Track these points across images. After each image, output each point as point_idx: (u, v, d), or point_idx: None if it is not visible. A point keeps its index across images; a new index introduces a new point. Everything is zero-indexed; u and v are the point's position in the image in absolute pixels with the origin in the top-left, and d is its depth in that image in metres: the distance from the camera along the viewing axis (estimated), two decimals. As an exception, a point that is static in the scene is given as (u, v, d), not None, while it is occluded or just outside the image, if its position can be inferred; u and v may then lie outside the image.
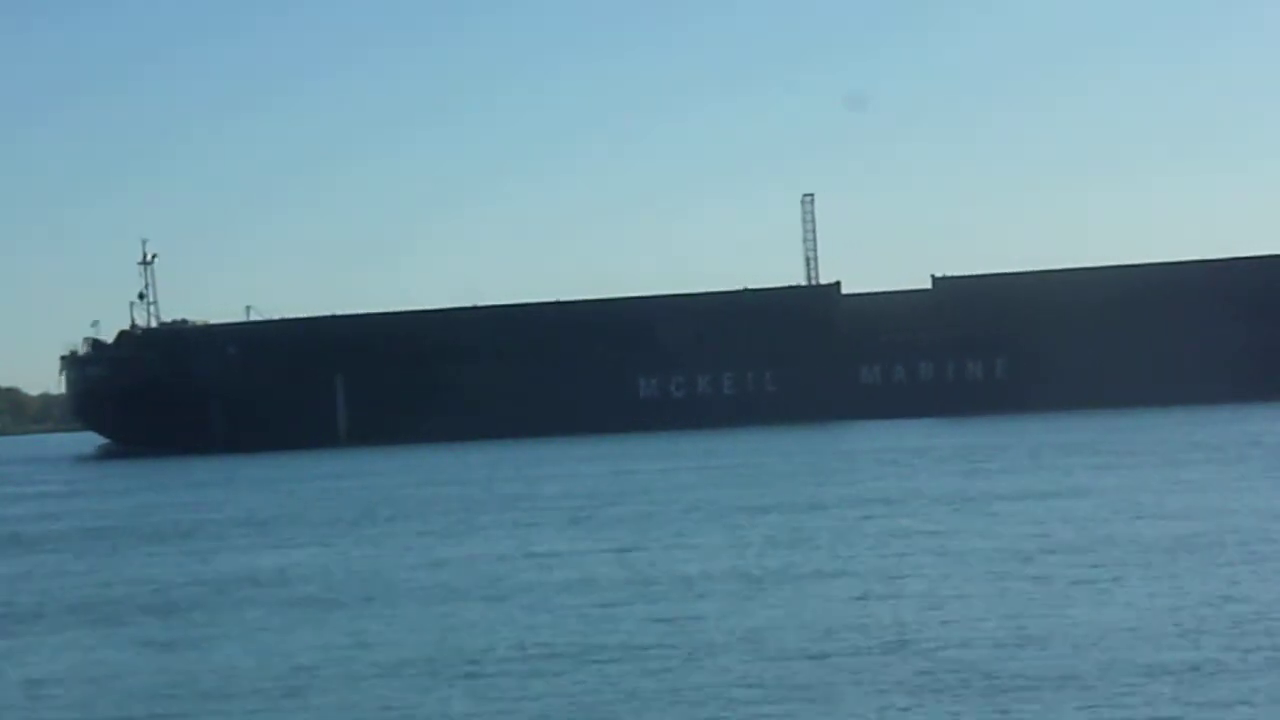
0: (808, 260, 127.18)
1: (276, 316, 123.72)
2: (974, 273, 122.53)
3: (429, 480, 70.37)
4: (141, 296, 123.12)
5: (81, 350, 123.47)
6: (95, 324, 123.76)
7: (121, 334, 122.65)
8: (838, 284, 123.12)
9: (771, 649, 23.69)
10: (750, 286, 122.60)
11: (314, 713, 20.92)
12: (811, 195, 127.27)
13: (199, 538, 46.34)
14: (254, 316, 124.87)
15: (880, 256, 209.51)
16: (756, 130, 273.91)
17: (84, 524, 53.37)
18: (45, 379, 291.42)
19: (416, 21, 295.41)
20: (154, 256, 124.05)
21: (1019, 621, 24.92)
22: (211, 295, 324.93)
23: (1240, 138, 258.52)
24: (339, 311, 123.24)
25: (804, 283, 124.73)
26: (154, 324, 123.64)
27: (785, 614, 26.77)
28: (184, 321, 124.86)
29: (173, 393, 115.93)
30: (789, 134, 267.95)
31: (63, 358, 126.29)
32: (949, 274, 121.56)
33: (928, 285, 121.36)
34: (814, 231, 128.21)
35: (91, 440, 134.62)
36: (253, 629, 27.64)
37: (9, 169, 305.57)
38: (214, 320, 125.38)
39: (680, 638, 24.85)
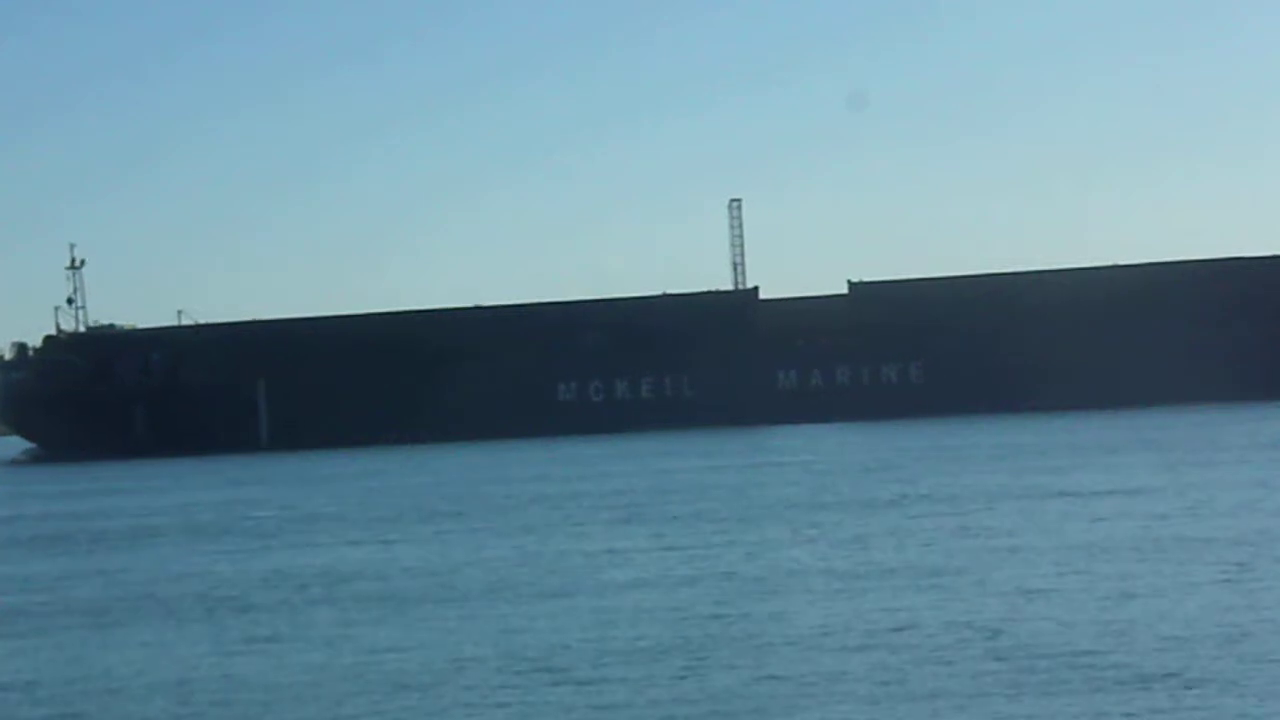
0: (735, 266, 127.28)
1: (204, 321, 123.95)
2: (890, 278, 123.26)
3: (444, 480, 69.53)
4: (70, 301, 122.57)
5: (7, 355, 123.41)
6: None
7: (47, 339, 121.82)
8: (755, 289, 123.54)
9: (861, 644, 23.50)
10: (669, 291, 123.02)
11: (404, 713, 20.67)
12: (739, 200, 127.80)
13: (243, 535, 45.80)
14: (185, 321, 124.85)
15: (799, 262, 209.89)
16: (683, 136, 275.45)
17: (132, 522, 52.62)
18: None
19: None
20: (82, 261, 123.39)
21: (1107, 617, 24.75)
22: (154, 300, 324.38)
23: (1178, 141, 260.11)
24: (274, 315, 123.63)
25: (731, 288, 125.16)
26: (81, 329, 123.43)
27: (873, 608, 26.51)
28: (111, 326, 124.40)
29: (96, 397, 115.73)
30: (715, 140, 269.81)
31: None
32: (866, 279, 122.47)
33: (844, 290, 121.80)
34: (741, 237, 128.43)
35: (17, 445, 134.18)
36: (327, 627, 27.25)
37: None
38: (143, 325, 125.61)
39: (767, 632, 24.56)
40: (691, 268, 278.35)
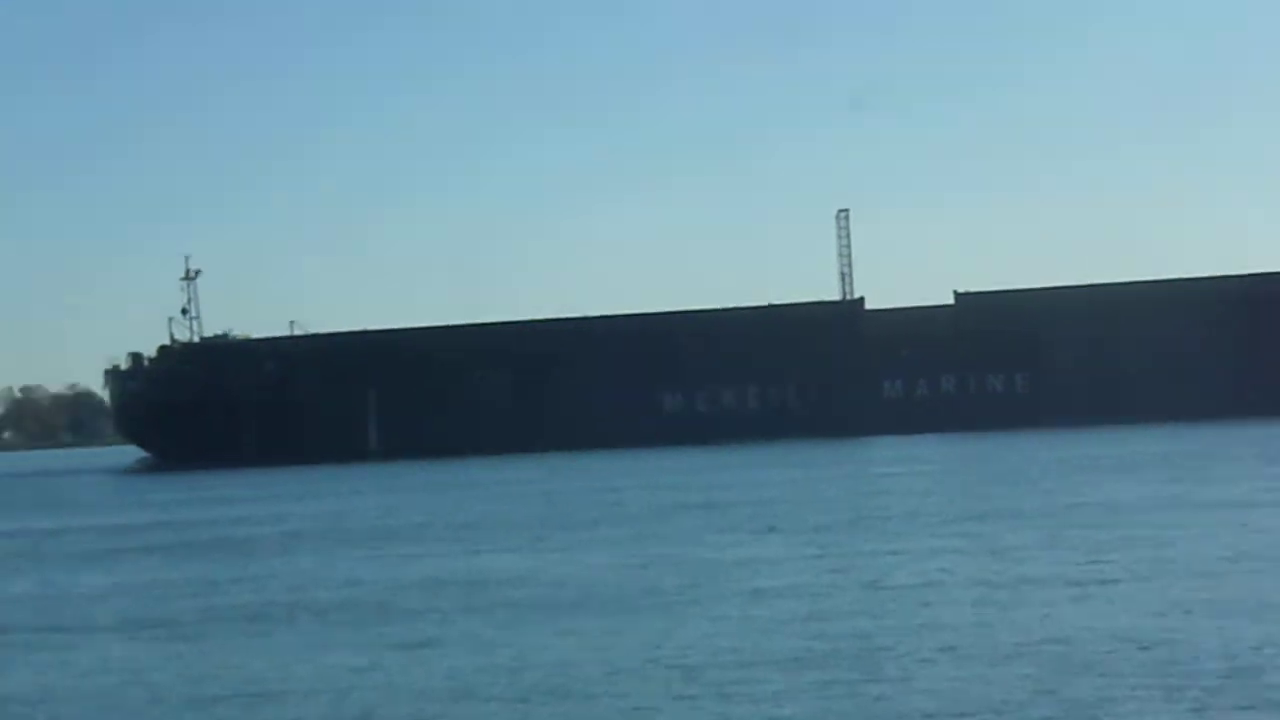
0: (842, 276, 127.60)
1: (316, 331, 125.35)
2: (996, 288, 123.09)
3: (572, 487, 69.35)
4: (184, 312, 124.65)
5: (123, 366, 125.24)
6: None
7: (161, 349, 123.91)
8: (861, 299, 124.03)
9: (1012, 654, 22.98)
10: (774, 302, 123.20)
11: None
12: (846, 211, 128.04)
13: (399, 541, 45.69)
14: (297, 331, 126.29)
15: (906, 272, 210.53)
16: (785, 144, 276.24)
17: (285, 528, 52.78)
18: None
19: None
20: (197, 272, 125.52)
21: (1268, 631, 23.90)
22: (269, 310, 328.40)
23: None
24: (383, 326, 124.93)
25: (838, 298, 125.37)
26: (196, 339, 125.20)
27: (1026, 619, 25.97)
28: (225, 336, 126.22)
29: (208, 408, 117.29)
30: (818, 148, 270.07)
31: (106, 371, 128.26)
32: (971, 289, 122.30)
33: (950, 301, 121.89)
34: (849, 247, 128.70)
35: (132, 454, 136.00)
36: (477, 633, 27.09)
37: (66, 184, 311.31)
38: (257, 335, 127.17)
39: (920, 642, 24.15)
40: (799, 278, 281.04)
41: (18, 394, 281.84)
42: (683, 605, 29.49)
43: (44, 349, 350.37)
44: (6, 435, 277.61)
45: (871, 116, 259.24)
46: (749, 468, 79.79)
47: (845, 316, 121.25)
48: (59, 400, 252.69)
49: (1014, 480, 59.05)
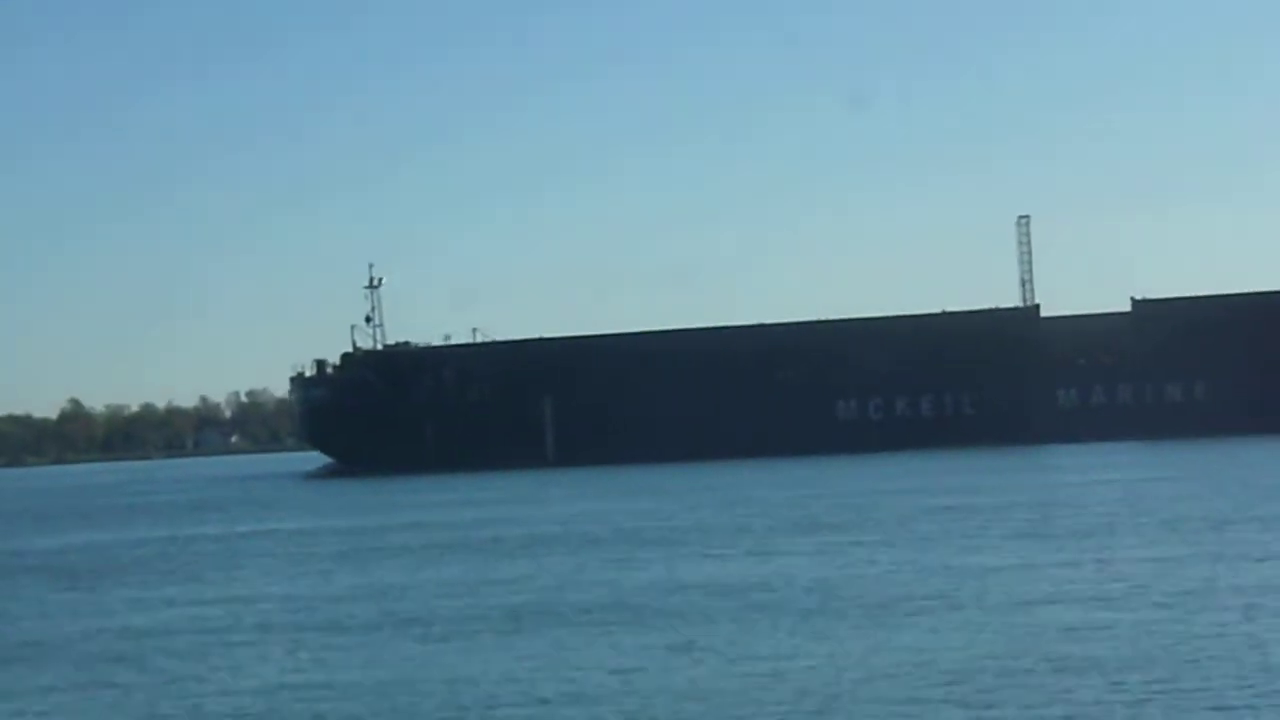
0: (1023, 282, 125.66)
1: (496, 339, 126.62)
2: (1174, 295, 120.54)
3: (808, 494, 68.66)
4: (368, 320, 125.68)
5: (308, 373, 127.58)
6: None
7: (344, 356, 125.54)
8: (1037, 306, 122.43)
9: None
10: (949, 309, 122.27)
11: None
12: (1027, 217, 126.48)
13: (668, 544, 45.72)
14: (479, 339, 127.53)
15: (1084, 279, 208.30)
16: (972, 153, 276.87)
17: (531, 530, 53.27)
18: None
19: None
20: (380, 280, 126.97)
21: None
22: (452, 317, 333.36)
23: None
24: (561, 334, 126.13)
25: (1018, 304, 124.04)
26: (379, 346, 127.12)
27: None
28: (407, 344, 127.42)
29: (390, 413, 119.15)
30: (999, 155, 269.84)
31: (292, 379, 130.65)
32: (1149, 296, 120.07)
33: (1127, 308, 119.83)
34: (1029, 253, 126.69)
35: (315, 460, 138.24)
36: (727, 637, 27.18)
37: (254, 184, 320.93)
38: (437, 343, 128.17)
39: (1200, 647, 23.98)
40: (978, 285, 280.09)
41: (244, 399, 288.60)
42: (933, 612, 29.21)
43: (267, 353, 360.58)
44: (234, 439, 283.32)
45: (1055, 124, 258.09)
46: (958, 473, 79.07)
47: (1021, 324, 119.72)
48: (281, 405, 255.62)
49: (1253, 486, 58.57)
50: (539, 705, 22.22)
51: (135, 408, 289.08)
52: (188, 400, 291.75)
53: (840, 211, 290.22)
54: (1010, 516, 48.80)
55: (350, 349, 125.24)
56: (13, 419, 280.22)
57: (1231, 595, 29.75)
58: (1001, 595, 30.94)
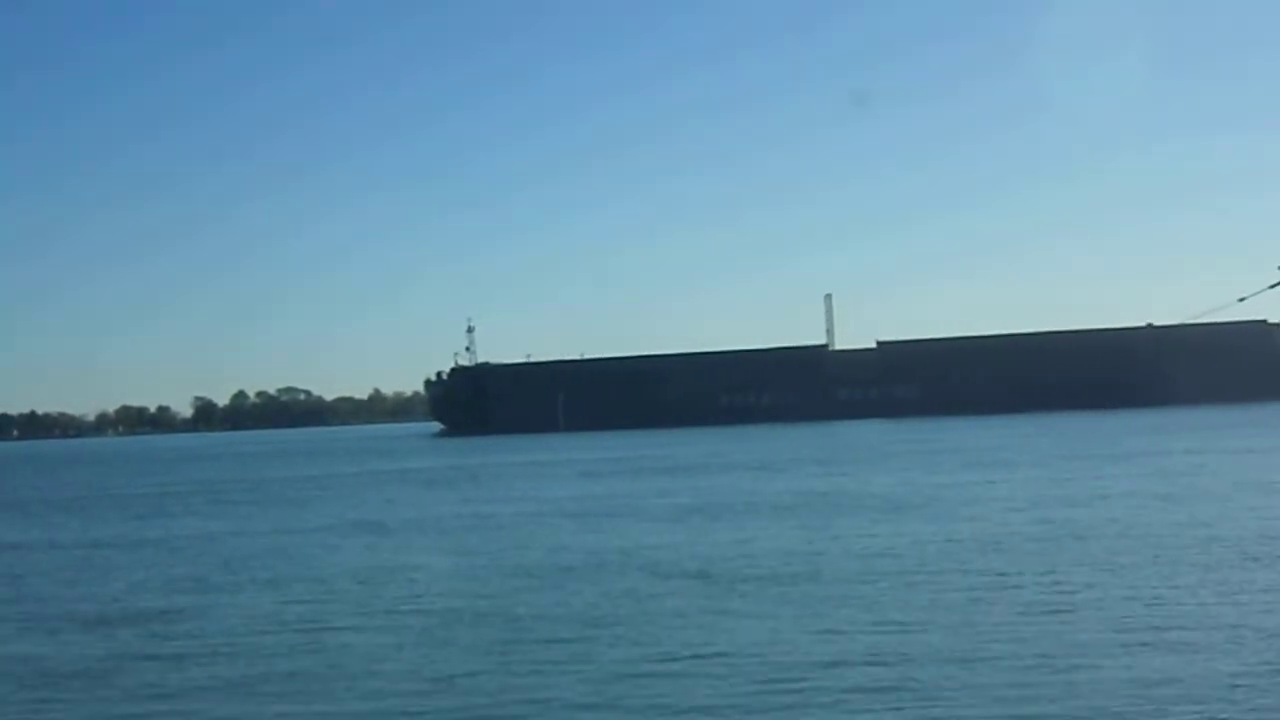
0: (827, 331, 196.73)
1: (535, 360, 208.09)
2: (902, 339, 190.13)
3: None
4: (467, 349, 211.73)
5: (433, 378, 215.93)
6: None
7: (452, 370, 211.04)
8: (825, 345, 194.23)
9: None
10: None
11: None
12: (830, 295, 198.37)
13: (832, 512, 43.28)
14: (533, 359, 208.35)
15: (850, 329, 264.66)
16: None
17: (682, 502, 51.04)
18: (401, 385, 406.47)
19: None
20: (473, 327, 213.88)
21: None
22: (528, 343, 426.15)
23: None
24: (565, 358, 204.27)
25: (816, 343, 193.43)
26: (471, 364, 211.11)
27: None
28: (486, 363, 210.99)
29: (476, 401, 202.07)
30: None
31: (426, 381, 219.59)
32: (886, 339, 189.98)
33: (874, 345, 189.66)
34: (832, 316, 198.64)
35: (428, 428, 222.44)
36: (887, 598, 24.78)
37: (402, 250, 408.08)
38: (500, 361, 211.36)
39: None
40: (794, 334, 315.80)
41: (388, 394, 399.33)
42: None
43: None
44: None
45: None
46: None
47: (815, 355, 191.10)
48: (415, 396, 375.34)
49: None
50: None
51: (329, 398, 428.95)
52: (362, 392, 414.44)
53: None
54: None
55: (455, 365, 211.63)
56: (290, 389, 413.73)
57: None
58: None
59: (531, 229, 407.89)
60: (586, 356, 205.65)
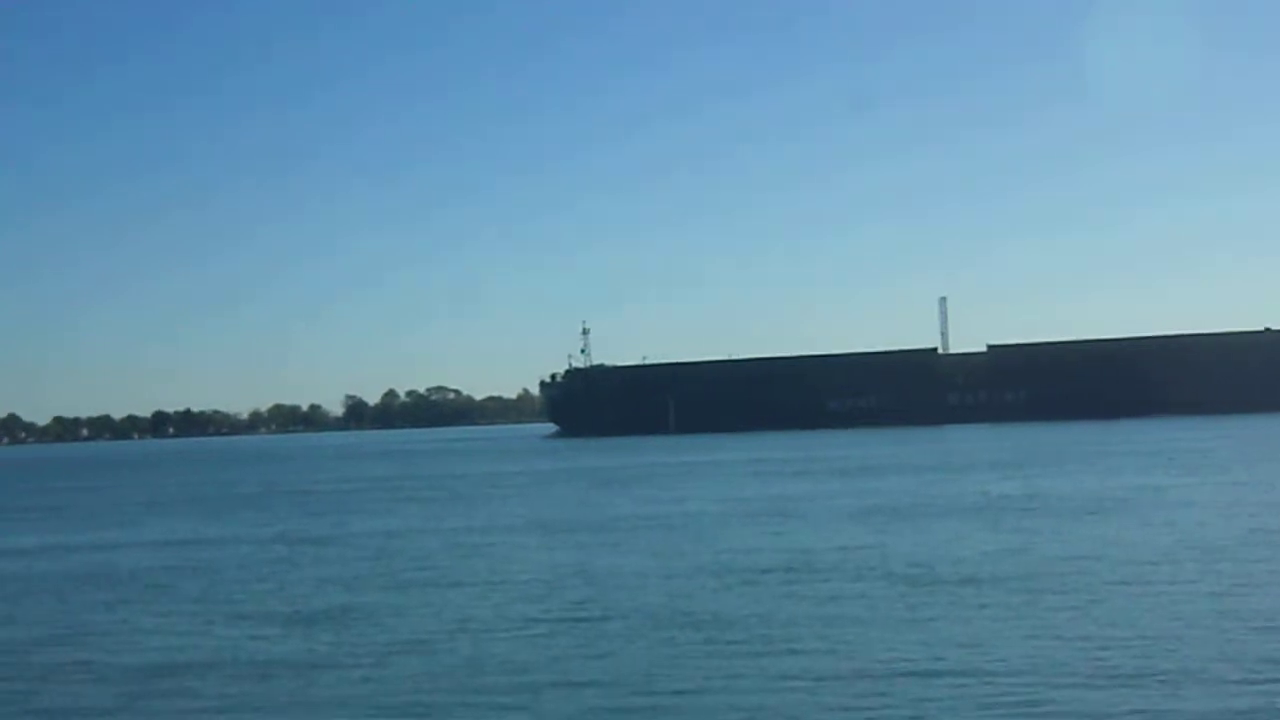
0: (941, 334, 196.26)
1: (648, 363, 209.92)
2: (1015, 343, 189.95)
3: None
4: (582, 351, 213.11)
5: (547, 379, 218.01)
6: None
7: (567, 371, 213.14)
8: (934, 349, 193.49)
9: None
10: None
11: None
12: (945, 298, 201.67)
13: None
14: (648, 361, 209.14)
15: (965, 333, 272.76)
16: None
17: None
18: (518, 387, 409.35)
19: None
20: (588, 330, 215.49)
21: None
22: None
23: None
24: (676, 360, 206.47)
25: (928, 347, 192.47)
26: (585, 365, 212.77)
27: None
28: (601, 365, 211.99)
29: (590, 402, 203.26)
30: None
31: (541, 382, 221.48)
32: (998, 343, 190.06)
33: (985, 349, 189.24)
34: (947, 318, 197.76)
35: (542, 430, 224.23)
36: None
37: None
38: (612, 363, 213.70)
39: None
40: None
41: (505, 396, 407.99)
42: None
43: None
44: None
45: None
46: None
47: (927, 358, 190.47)
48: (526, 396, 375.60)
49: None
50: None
51: (479, 397, 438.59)
52: (511, 391, 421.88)
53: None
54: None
55: (569, 366, 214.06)
56: (440, 389, 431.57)
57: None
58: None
59: (646, 232, 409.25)
60: (698, 360, 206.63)
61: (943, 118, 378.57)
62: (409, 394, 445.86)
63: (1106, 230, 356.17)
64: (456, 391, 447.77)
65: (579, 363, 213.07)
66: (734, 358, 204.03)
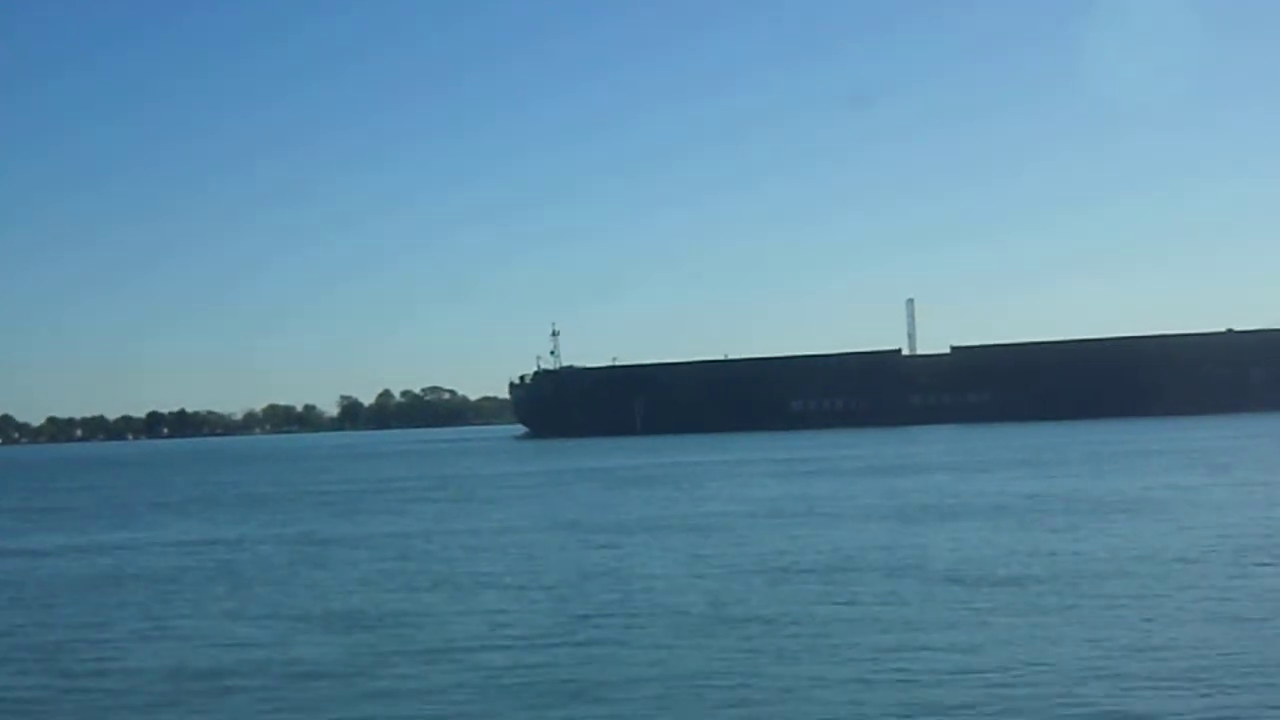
0: (909, 335, 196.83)
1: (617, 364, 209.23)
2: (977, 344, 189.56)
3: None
4: (551, 353, 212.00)
5: (517, 380, 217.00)
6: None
7: (535, 373, 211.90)
8: (899, 350, 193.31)
9: None
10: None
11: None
12: (913, 299, 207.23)
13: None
14: (617, 362, 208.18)
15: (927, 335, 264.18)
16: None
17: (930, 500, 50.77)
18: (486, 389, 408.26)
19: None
20: (557, 331, 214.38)
21: None
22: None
23: None
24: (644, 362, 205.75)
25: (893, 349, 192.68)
26: (554, 368, 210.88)
27: None
28: (569, 366, 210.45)
29: (558, 404, 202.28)
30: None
31: (510, 384, 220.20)
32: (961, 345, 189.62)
33: (948, 351, 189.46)
34: (914, 321, 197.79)
35: (516, 430, 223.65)
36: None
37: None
38: (580, 365, 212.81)
39: None
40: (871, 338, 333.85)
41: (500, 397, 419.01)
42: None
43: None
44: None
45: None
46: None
47: (891, 360, 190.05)
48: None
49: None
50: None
51: (474, 397, 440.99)
52: (475, 393, 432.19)
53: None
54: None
55: (538, 369, 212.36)
56: (434, 389, 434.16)
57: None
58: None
59: (612, 229, 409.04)
60: (666, 361, 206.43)
61: (933, 111, 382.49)
62: (404, 394, 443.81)
63: (1075, 226, 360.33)
64: (451, 392, 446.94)
65: (548, 364, 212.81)
66: (701, 359, 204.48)
